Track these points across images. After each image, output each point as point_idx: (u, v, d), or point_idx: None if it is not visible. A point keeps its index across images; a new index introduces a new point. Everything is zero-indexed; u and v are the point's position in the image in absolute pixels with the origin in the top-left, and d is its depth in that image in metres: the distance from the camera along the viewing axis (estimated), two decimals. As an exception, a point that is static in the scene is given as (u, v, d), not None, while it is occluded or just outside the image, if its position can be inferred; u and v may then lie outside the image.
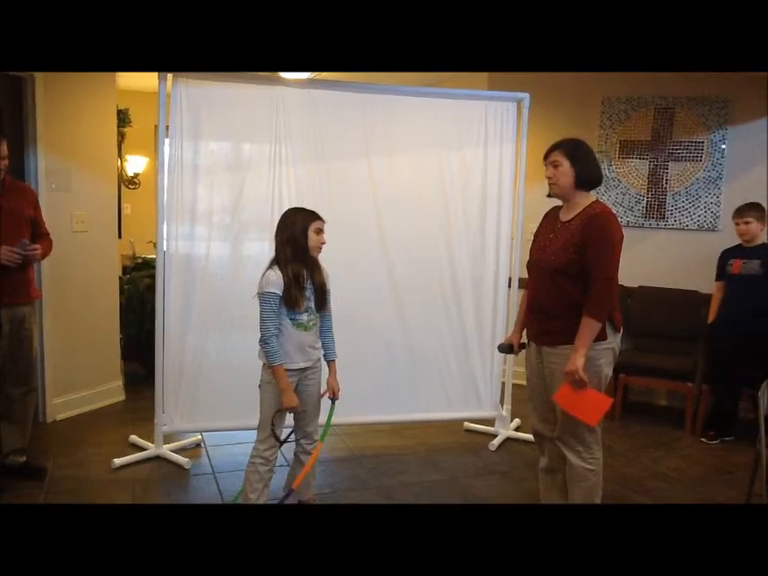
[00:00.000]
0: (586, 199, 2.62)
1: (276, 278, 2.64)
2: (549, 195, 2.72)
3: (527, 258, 2.79)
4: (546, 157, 2.68)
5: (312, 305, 2.74)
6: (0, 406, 3.18)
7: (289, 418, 2.85)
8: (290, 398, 2.65)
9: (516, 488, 3.44)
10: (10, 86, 3.79)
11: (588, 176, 2.62)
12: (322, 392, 2.87)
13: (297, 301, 2.65)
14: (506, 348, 2.96)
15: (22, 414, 3.30)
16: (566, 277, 2.54)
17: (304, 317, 2.72)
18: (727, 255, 4.28)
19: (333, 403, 2.87)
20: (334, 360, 2.88)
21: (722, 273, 4.29)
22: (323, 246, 2.75)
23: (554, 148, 2.66)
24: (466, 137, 3.89)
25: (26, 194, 3.27)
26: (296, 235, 2.68)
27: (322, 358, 2.88)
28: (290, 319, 2.69)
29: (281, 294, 2.63)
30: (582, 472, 2.65)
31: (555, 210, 2.77)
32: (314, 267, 2.76)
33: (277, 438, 2.74)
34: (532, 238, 2.83)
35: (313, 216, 2.74)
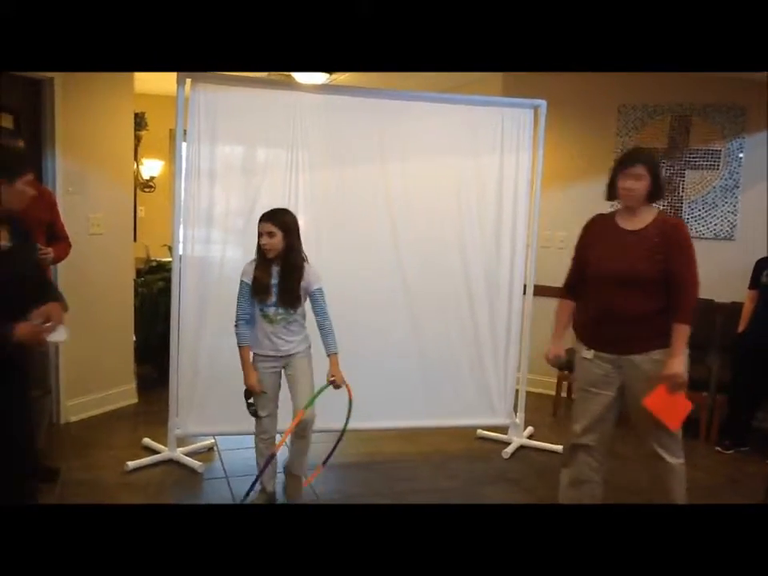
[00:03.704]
0: (650, 209, 2.71)
1: (248, 268, 2.98)
2: (610, 199, 2.79)
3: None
4: (625, 166, 2.67)
5: (276, 300, 2.93)
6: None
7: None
8: (246, 377, 2.97)
9: (529, 495, 3.42)
10: (29, 89, 3.81)
11: (661, 190, 2.71)
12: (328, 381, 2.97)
13: (257, 294, 2.94)
14: (566, 363, 2.92)
15: (37, 416, 3.31)
16: (651, 284, 2.61)
17: (271, 310, 2.95)
18: (763, 265, 4.21)
19: (350, 401, 2.95)
20: (332, 354, 3.00)
21: (756, 282, 4.23)
22: (265, 247, 2.91)
23: (637, 160, 2.66)
24: (482, 143, 3.89)
25: (43, 197, 3.27)
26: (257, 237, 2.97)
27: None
28: (259, 309, 2.97)
29: (249, 283, 2.95)
30: (680, 468, 2.71)
31: (604, 218, 2.81)
32: (288, 267, 2.93)
33: (252, 414, 3.00)
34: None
35: (260, 219, 2.96)
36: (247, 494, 2.75)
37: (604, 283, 2.69)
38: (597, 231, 2.80)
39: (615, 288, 2.65)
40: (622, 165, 2.68)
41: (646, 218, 2.68)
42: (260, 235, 2.93)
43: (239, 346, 2.99)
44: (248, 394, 3.00)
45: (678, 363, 2.56)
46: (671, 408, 2.60)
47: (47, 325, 2.19)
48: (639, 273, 2.61)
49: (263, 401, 3.04)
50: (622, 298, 2.63)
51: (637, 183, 2.62)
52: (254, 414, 3.00)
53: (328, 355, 3.01)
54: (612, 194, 2.75)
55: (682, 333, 2.59)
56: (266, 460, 2.96)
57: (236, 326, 3.00)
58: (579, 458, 2.82)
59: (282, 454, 3.27)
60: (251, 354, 3.03)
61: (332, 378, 2.96)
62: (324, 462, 3.07)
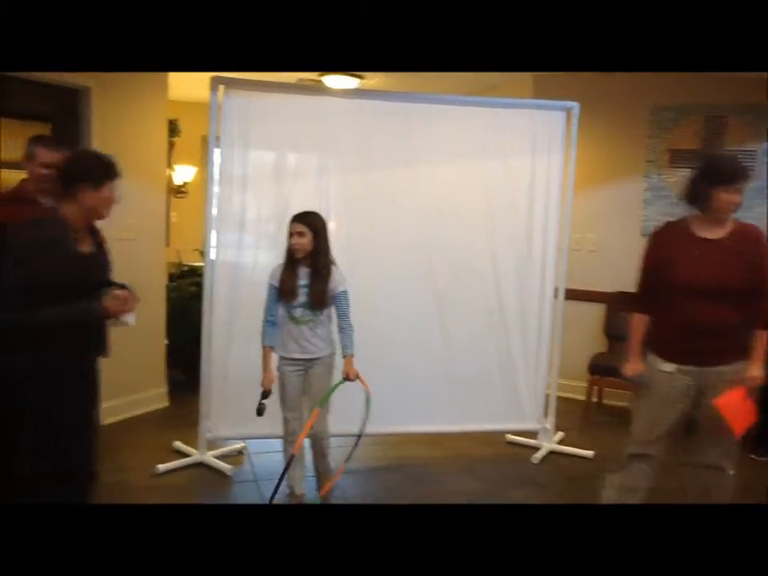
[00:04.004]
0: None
1: (276, 272, 3.05)
2: (693, 207, 2.63)
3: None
4: (735, 180, 2.54)
5: (307, 301, 2.98)
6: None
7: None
8: (263, 376, 3.06)
9: (558, 499, 3.39)
10: (65, 98, 3.89)
11: None
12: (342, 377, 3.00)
13: (284, 295, 2.99)
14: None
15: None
16: (737, 293, 2.56)
17: (298, 311, 3.00)
18: None
19: (367, 398, 2.95)
20: (348, 355, 3.04)
21: None
22: (295, 246, 2.97)
23: (745, 175, 2.58)
24: (513, 146, 3.87)
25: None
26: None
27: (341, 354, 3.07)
28: (286, 311, 3.03)
29: (277, 286, 3.01)
30: (732, 479, 2.75)
31: (675, 226, 2.70)
32: (316, 268, 2.98)
33: (258, 412, 3.01)
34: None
35: (291, 220, 3.02)
36: (272, 496, 2.76)
37: (688, 295, 2.57)
38: (671, 240, 2.67)
39: (701, 299, 2.54)
40: (732, 179, 2.52)
41: (726, 225, 2.59)
42: (290, 235, 2.99)
43: (262, 345, 3.09)
44: (264, 393, 3.06)
45: (759, 368, 2.58)
46: (740, 413, 2.60)
47: (126, 305, 2.36)
48: (727, 283, 2.53)
49: (289, 403, 3.09)
50: (709, 309, 2.54)
51: (740, 197, 2.55)
52: (259, 412, 3.03)
53: (344, 356, 3.05)
54: (701, 202, 2.58)
55: (764, 339, 2.59)
56: (287, 462, 2.97)
57: (262, 326, 3.09)
58: (635, 466, 2.78)
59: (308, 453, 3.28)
60: (276, 357, 3.10)
61: (345, 375, 3.00)
62: (346, 460, 3.05)
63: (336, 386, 2.95)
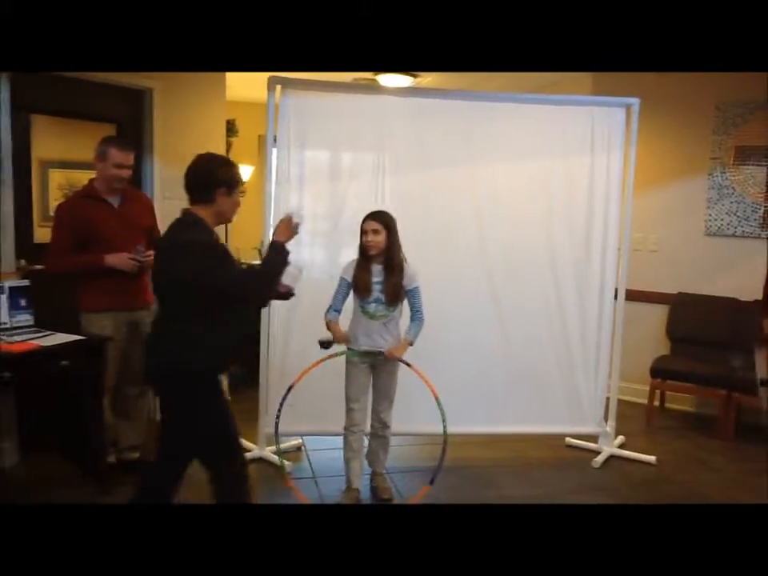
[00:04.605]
0: None
1: (349, 267, 3.15)
2: None
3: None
4: None
5: (380, 297, 3.07)
6: (118, 404, 3.34)
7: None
8: (335, 333, 3.09)
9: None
10: (129, 99, 4.01)
11: None
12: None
13: (358, 291, 3.08)
14: None
15: (138, 413, 3.46)
16: None
17: (371, 306, 3.09)
18: None
19: (438, 403, 3.01)
20: (406, 339, 3.13)
21: None
22: (370, 244, 3.05)
23: None
24: (572, 144, 3.79)
25: (144, 203, 3.43)
26: (360, 235, 3.11)
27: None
28: (360, 306, 3.12)
29: (349, 281, 3.12)
30: None
31: None
32: (390, 265, 3.08)
33: (324, 345, 3.06)
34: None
35: (364, 218, 3.09)
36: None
37: None
38: None
39: None
40: None
41: None
42: (364, 233, 3.08)
43: (327, 322, 3.12)
44: (324, 343, 3.06)
45: None
46: None
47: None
48: None
49: (354, 393, 3.17)
50: None
51: None
52: (325, 345, 3.05)
53: (404, 338, 3.14)
54: None
55: None
56: (284, 395, 3.15)
57: (325, 313, 3.15)
58: None
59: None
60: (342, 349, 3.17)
61: (388, 352, 3.08)
62: (431, 482, 3.11)
63: (440, 408, 3.00)
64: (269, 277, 2.39)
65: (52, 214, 3.41)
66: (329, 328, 3.12)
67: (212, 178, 2.36)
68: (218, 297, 2.27)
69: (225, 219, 2.46)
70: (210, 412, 2.33)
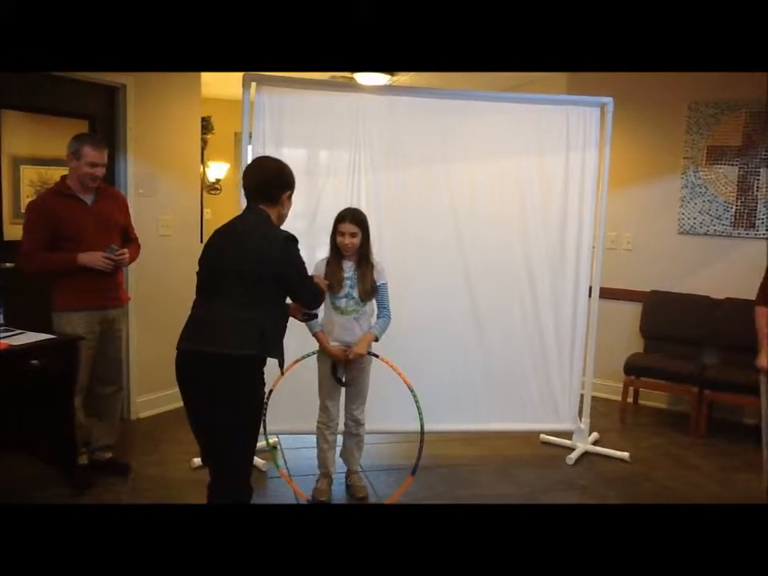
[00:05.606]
0: None
1: (320, 265, 3.17)
2: None
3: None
4: None
5: (351, 292, 3.11)
6: (90, 403, 3.30)
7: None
8: (332, 352, 3.10)
9: (592, 500, 3.35)
10: (103, 95, 3.95)
11: None
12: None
13: (331, 286, 3.05)
14: None
15: (111, 412, 3.42)
16: None
17: (342, 301, 3.12)
18: None
19: (413, 394, 3.07)
20: (371, 333, 3.15)
21: None
22: (348, 246, 3.09)
23: None
24: (547, 143, 3.81)
25: (118, 200, 3.39)
26: (332, 234, 3.15)
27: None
28: (330, 302, 3.12)
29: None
30: None
31: None
32: (362, 262, 3.12)
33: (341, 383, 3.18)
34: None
35: (340, 218, 3.12)
36: None
37: None
38: None
39: None
40: None
41: None
42: (341, 234, 3.09)
43: (314, 334, 3.15)
44: (335, 368, 3.15)
45: None
46: None
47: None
48: None
49: (328, 390, 3.20)
50: None
51: None
52: (342, 383, 3.17)
53: (368, 331, 3.16)
54: None
55: None
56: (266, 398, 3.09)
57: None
58: None
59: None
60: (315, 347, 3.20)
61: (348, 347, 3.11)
62: (413, 472, 3.13)
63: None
64: (320, 293, 2.61)
65: (23, 211, 3.35)
66: (319, 341, 3.15)
67: (281, 180, 2.43)
68: (289, 291, 2.40)
69: (282, 221, 2.49)
70: (261, 399, 2.41)
